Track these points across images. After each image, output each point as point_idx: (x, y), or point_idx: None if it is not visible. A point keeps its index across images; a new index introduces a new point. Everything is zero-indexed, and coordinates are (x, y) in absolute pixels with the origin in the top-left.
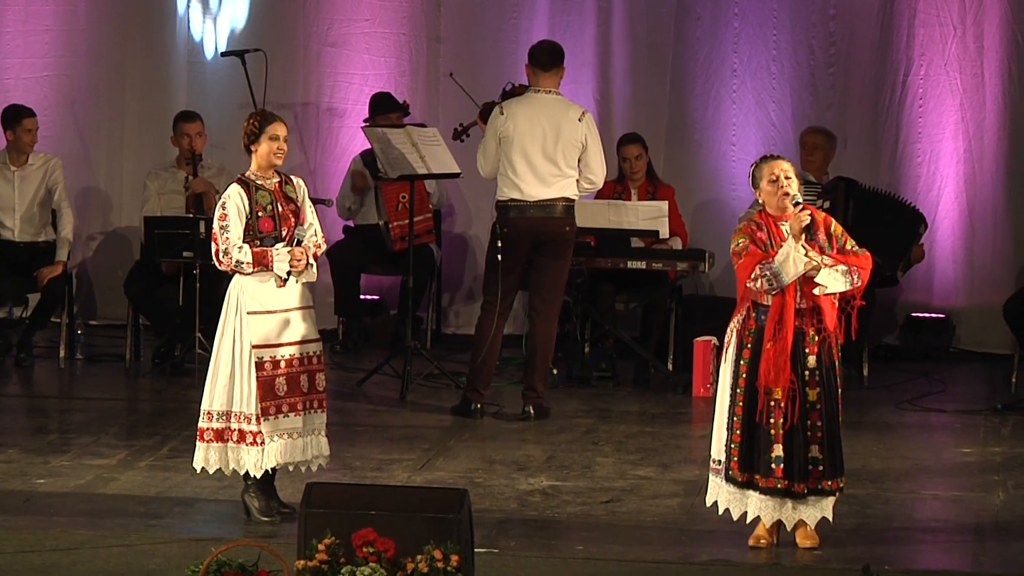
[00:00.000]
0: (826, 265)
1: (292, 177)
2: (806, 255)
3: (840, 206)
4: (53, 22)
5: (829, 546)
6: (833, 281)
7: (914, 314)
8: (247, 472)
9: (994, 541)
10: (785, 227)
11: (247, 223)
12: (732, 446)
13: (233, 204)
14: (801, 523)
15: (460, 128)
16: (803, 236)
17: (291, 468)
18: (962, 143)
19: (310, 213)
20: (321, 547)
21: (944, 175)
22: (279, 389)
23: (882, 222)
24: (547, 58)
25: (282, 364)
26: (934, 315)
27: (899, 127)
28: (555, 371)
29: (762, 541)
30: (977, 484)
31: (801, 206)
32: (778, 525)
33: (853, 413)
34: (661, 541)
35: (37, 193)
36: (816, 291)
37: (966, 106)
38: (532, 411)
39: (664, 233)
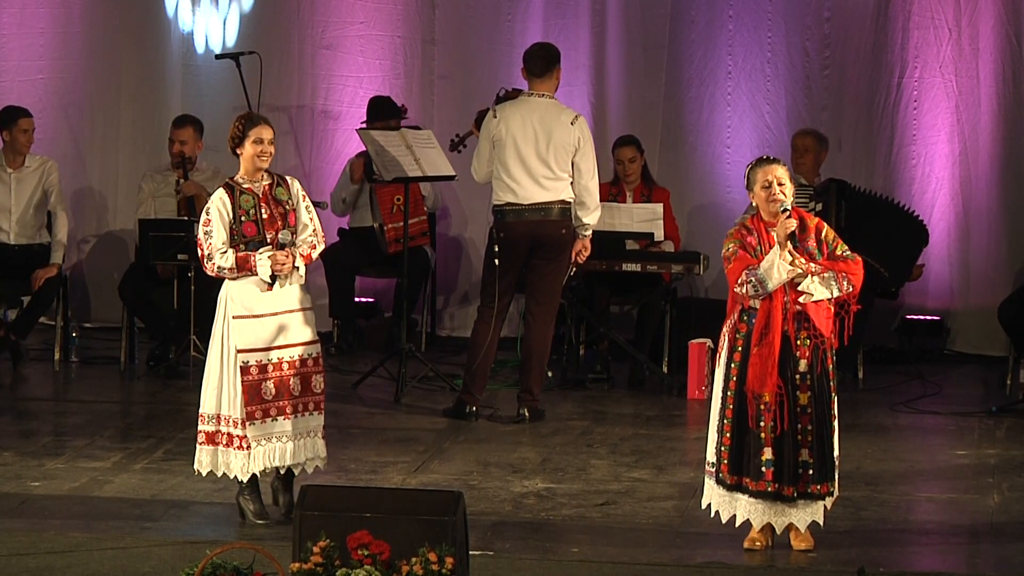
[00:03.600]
0: (812, 272)
1: (286, 178)
2: (792, 262)
3: (832, 208)
4: (48, 24)
5: (824, 548)
6: (819, 288)
7: (909, 316)
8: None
9: (989, 543)
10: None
11: (231, 228)
12: (722, 449)
13: (216, 209)
14: (792, 526)
15: (457, 139)
16: (788, 243)
17: (282, 471)
18: (957, 145)
19: (305, 213)
20: (316, 549)
21: (939, 177)
22: (266, 393)
23: (882, 229)
24: (541, 64)
25: (270, 368)
26: (929, 317)
27: (894, 129)
28: (550, 373)
29: (757, 543)
30: (972, 486)
31: (788, 213)
32: (771, 528)
33: (848, 415)
34: (656, 543)
35: (33, 196)
36: (802, 299)
37: (961, 108)
38: (527, 413)
39: (659, 235)
